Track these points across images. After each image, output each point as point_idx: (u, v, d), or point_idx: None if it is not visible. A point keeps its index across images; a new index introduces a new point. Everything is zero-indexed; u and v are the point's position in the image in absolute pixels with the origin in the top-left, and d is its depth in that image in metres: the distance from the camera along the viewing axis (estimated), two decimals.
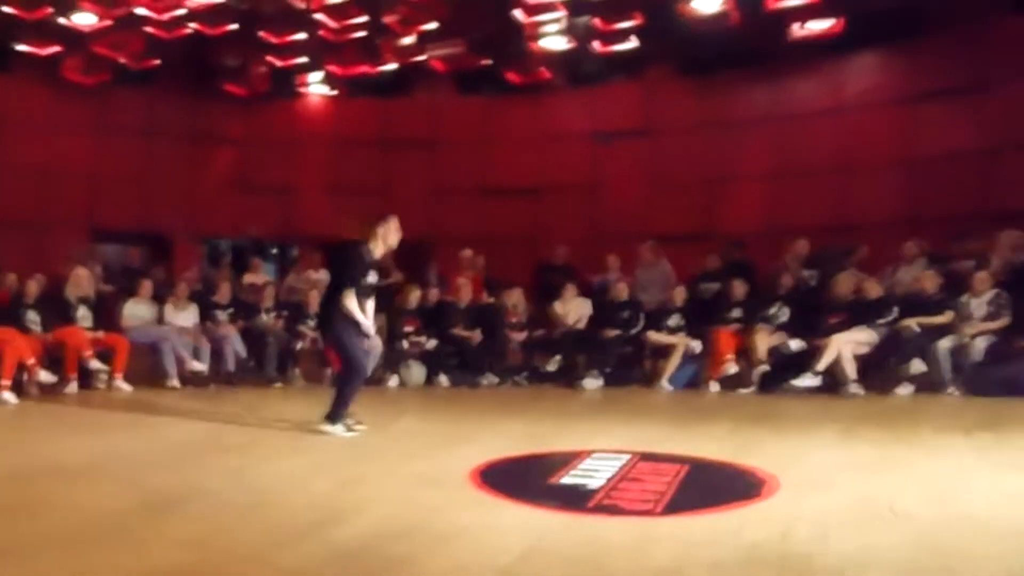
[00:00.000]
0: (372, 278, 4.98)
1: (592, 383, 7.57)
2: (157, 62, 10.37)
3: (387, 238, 4.98)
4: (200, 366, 7.54)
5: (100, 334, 7.29)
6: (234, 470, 3.95)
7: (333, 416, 4.91)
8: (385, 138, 11.31)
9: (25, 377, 6.55)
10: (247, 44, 10.19)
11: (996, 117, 8.48)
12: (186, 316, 7.89)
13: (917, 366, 6.63)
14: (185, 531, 2.87)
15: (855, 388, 6.63)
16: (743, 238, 9.26)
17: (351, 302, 4.81)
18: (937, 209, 8.52)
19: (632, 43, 9.64)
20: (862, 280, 7.30)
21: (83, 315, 7.39)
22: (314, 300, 8.35)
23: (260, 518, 3.06)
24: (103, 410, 6.21)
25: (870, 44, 9.28)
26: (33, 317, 7.05)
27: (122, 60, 9.92)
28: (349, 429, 4.91)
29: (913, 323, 6.80)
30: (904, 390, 6.67)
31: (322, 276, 9.50)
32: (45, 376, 6.58)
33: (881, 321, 6.95)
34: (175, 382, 7.34)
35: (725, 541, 2.78)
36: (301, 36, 9.73)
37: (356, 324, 4.86)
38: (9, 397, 6.18)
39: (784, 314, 7.45)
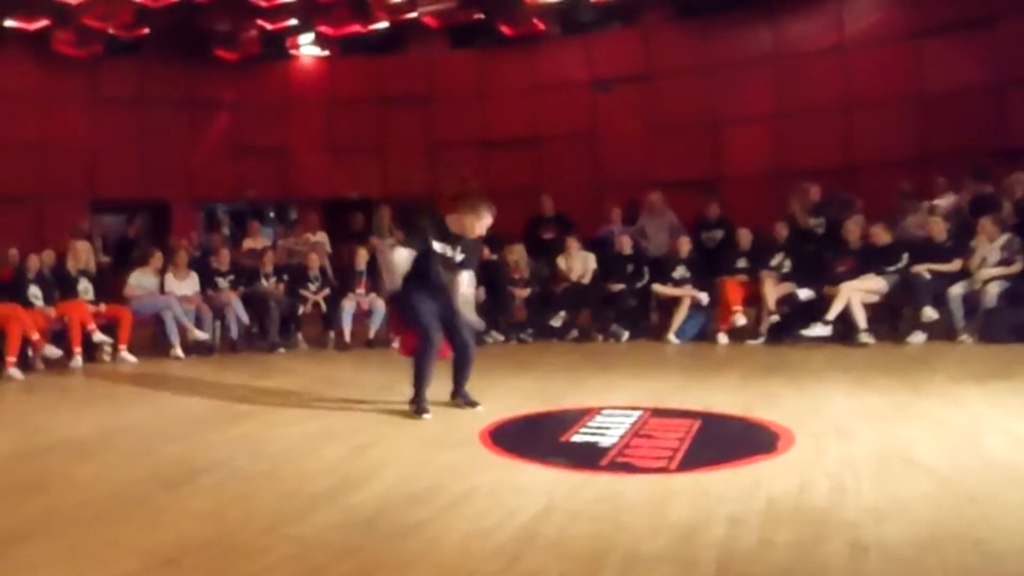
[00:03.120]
0: (440, 248, 4.42)
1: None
2: (146, 31, 10.18)
3: (465, 223, 4.45)
4: (203, 335, 7.50)
5: (103, 307, 7.25)
6: (245, 439, 3.93)
7: (413, 397, 4.41)
8: (380, 96, 11.15)
9: (31, 353, 6.52)
10: (236, 8, 9.96)
11: (1006, 51, 8.26)
12: (187, 284, 7.82)
13: (929, 313, 6.56)
14: (200, 503, 2.85)
15: (866, 337, 6.57)
16: (747, 182, 9.10)
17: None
18: (948, 147, 8.34)
19: None
20: (870, 226, 7.17)
21: (85, 288, 7.33)
22: (314, 262, 8.30)
23: (274, 487, 3.04)
24: (110, 383, 6.18)
25: None
26: (36, 292, 6.99)
27: (112, 31, 9.72)
28: (423, 412, 4.33)
29: (923, 269, 6.72)
30: (917, 338, 6.61)
31: (320, 238, 9.44)
32: (51, 351, 6.53)
33: (891, 268, 6.86)
34: (179, 352, 7.31)
35: (743, 496, 2.75)
36: None
37: (427, 286, 4.38)
38: (16, 373, 6.15)
39: (786, 265, 7.35)
